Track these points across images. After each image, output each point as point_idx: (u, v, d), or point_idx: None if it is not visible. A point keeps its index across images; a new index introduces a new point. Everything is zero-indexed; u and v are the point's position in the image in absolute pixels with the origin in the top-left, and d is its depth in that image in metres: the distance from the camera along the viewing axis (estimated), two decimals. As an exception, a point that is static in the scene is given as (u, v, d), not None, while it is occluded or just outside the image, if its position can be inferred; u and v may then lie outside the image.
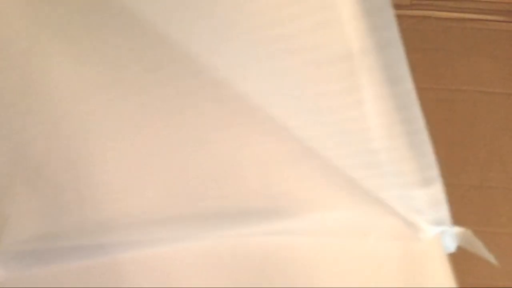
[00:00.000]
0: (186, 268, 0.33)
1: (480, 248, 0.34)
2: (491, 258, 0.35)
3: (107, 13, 0.31)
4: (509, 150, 0.62)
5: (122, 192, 0.33)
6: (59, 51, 0.33)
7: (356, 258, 0.32)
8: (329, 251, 0.32)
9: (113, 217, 0.34)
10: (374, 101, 0.30)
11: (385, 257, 0.32)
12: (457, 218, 0.62)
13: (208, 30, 0.30)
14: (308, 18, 0.29)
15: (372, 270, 0.32)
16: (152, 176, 0.33)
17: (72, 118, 0.34)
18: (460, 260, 0.61)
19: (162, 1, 0.30)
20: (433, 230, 0.33)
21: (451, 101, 0.64)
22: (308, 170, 0.32)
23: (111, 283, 0.33)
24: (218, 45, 0.30)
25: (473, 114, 0.64)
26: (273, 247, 0.32)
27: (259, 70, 0.30)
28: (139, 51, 0.31)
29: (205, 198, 0.33)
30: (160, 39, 0.31)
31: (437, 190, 0.33)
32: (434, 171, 0.32)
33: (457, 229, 0.34)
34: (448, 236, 0.34)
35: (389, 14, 0.30)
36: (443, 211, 0.33)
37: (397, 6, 0.69)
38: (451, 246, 0.34)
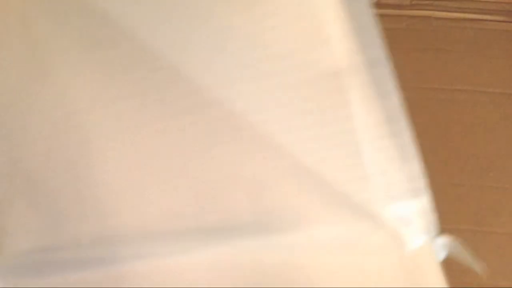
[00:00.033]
0: (182, 282, 0.33)
1: (468, 258, 0.35)
2: (479, 267, 0.35)
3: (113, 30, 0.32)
4: (509, 150, 0.62)
5: (121, 206, 0.34)
6: (60, 53, 0.34)
7: (346, 273, 0.33)
8: (320, 266, 0.33)
9: (112, 230, 0.34)
10: (363, 116, 0.31)
11: (375, 271, 0.33)
12: (457, 218, 0.62)
13: (204, 53, 0.31)
14: (300, 39, 0.31)
15: (362, 284, 0.33)
16: (150, 191, 0.34)
17: (71, 129, 0.34)
18: (460, 260, 0.61)
19: (147, 12, 0.32)
20: (420, 240, 0.33)
21: (451, 101, 0.64)
22: (299, 186, 0.32)
23: None
24: (212, 65, 0.31)
25: (473, 114, 0.64)
26: (267, 262, 0.33)
27: (252, 89, 0.31)
28: (140, 69, 0.33)
29: (197, 214, 0.33)
30: (161, 60, 0.32)
31: (425, 201, 0.33)
32: (421, 182, 0.33)
33: (445, 239, 0.34)
34: (436, 245, 0.34)
35: (376, 33, 0.31)
36: (431, 221, 0.34)
37: (397, 6, 0.69)
38: (440, 255, 0.35)
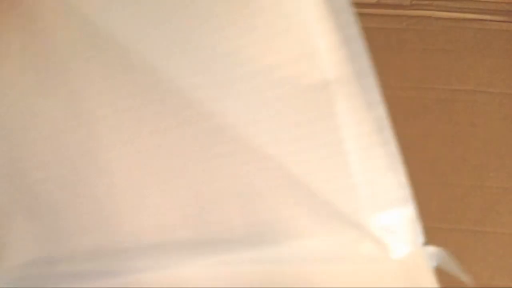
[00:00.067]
0: None
1: (455, 268, 0.35)
2: (466, 278, 0.36)
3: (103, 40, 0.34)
4: (509, 150, 0.62)
5: (118, 219, 0.34)
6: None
7: (337, 283, 0.33)
8: (312, 277, 0.33)
9: (109, 243, 0.34)
10: (351, 127, 0.32)
11: (365, 281, 0.33)
12: (457, 218, 0.62)
13: (197, 68, 0.32)
14: (288, 52, 0.32)
15: None
16: (147, 203, 0.34)
17: (73, 140, 0.35)
18: (460, 260, 0.61)
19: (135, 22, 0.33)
20: (407, 249, 0.33)
21: (451, 101, 0.64)
22: (290, 197, 0.33)
23: None
24: (205, 79, 0.32)
25: (473, 114, 0.64)
26: (259, 274, 0.33)
27: (243, 103, 0.32)
28: (136, 84, 0.34)
29: (191, 226, 0.34)
30: (154, 75, 0.33)
31: (410, 210, 0.34)
32: (406, 191, 0.33)
33: (432, 249, 0.35)
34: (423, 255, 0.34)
35: (361, 45, 0.33)
36: (417, 229, 0.34)
37: (397, 6, 0.70)
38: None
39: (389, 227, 0.33)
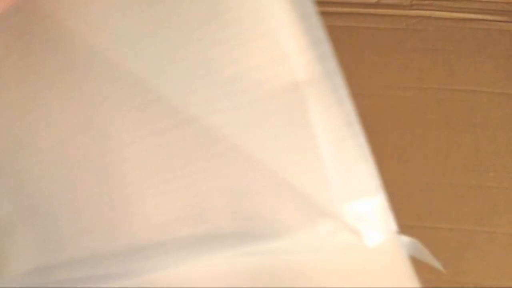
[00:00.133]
0: None
1: (429, 257, 0.37)
2: (439, 266, 0.37)
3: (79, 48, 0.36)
4: (509, 150, 0.62)
5: (113, 222, 0.36)
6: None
7: (316, 274, 0.35)
8: (296, 269, 0.35)
9: (108, 248, 0.35)
10: (323, 123, 0.34)
11: (344, 270, 0.35)
12: (457, 218, 0.62)
13: (178, 75, 0.35)
14: (262, 56, 0.35)
15: (338, 284, 0.34)
16: (139, 206, 0.36)
17: (73, 148, 0.36)
18: (460, 260, 0.61)
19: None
20: (381, 237, 0.35)
21: (451, 101, 0.64)
22: (272, 194, 0.35)
23: None
24: (187, 86, 0.35)
25: (473, 114, 0.64)
26: (256, 266, 0.35)
27: (224, 106, 0.35)
28: (121, 93, 0.36)
29: (183, 226, 0.35)
30: (141, 84, 0.35)
31: (381, 199, 0.35)
32: (377, 181, 0.35)
33: (405, 238, 0.36)
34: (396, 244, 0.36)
35: (328, 45, 0.35)
36: (389, 219, 0.35)
37: (397, 6, 0.70)
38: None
39: (362, 216, 0.35)
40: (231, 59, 0.35)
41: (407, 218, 0.59)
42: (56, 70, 0.36)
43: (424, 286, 0.36)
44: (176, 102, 0.35)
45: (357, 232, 0.34)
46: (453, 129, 0.63)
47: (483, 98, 0.64)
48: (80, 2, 0.37)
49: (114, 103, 0.36)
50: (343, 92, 0.35)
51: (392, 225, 0.35)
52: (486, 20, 0.67)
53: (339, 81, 0.35)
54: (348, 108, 0.35)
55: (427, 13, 0.68)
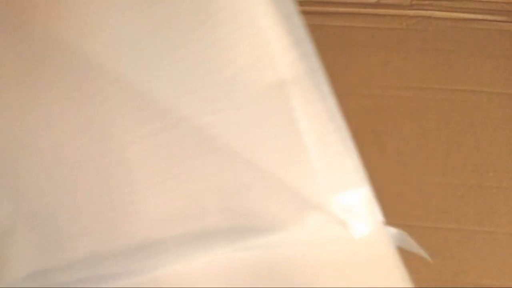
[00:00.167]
0: None
1: (415, 247, 0.38)
2: (426, 255, 0.38)
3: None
4: (509, 150, 0.62)
5: (106, 223, 0.36)
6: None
7: (307, 267, 0.35)
8: (287, 264, 0.35)
9: (107, 248, 0.35)
10: (307, 118, 0.36)
11: (334, 262, 0.35)
12: (457, 218, 0.62)
13: (169, 78, 0.36)
14: (248, 57, 0.36)
15: (329, 277, 0.35)
16: (140, 207, 0.36)
17: (70, 152, 0.36)
18: (460, 260, 0.61)
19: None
20: (367, 228, 0.35)
21: (451, 101, 0.64)
22: (260, 190, 0.36)
23: None
24: (177, 88, 0.36)
25: (473, 114, 0.64)
26: (254, 261, 0.35)
27: (214, 107, 0.36)
28: (109, 98, 0.36)
29: (179, 224, 0.36)
30: (130, 87, 0.36)
31: (366, 191, 0.36)
32: (361, 173, 0.36)
33: (392, 230, 0.37)
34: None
35: (310, 44, 0.36)
36: (375, 210, 0.36)
37: (397, 6, 0.70)
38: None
39: (349, 208, 0.35)
40: (222, 61, 0.36)
41: (407, 218, 0.59)
42: (55, 70, 0.37)
43: (411, 274, 0.36)
44: (168, 103, 0.36)
45: (344, 224, 0.35)
46: (453, 129, 0.63)
47: (483, 98, 0.64)
48: (80, 3, 0.37)
49: (113, 103, 0.36)
50: (326, 88, 0.36)
51: (379, 216, 0.36)
52: (486, 20, 0.67)
53: (322, 78, 0.36)
54: (331, 103, 0.36)
55: (427, 13, 0.68)
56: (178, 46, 0.36)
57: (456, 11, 0.68)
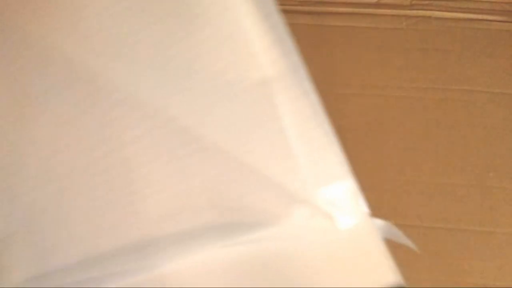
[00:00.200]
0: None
1: (402, 238, 0.38)
2: (413, 247, 0.39)
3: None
4: (509, 150, 0.62)
5: (112, 225, 0.36)
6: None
7: (296, 261, 0.36)
8: (277, 258, 0.36)
9: (104, 250, 0.36)
10: (291, 115, 0.37)
11: (322, 255, 0.36)
12: (457, 218, 0.62)
13: (155, 80, 0.37)
14: (232, 56, 0.37)
15: (321, 271, 0.36)
16: (139, 207, 0.36)
17: (65, 157, 0.37)
18: (460, 260, 0.61)
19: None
20: (353, 220, 0.36)
21: (451, 101, 0.64)
22: (247, 186, 0.36)
23: None
24: (164, 89, 0.37)
25: (473, 114, 0.64)
26: (248, 256, 0.36)
27: (198, 106, 0.37)
28: (100, 102, 0.38)
29: (170, 224, 0.36)
30: (118, 91, 0.37)
31: (351, 184, 0.37)
32: (345, 167, 0.37)
33: (378, 221, 0.37)
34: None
35: (291, 42, 0.38)
36: (360, 202, 0.37)
37: (397, 6, 0.70)
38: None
39: (334, 201, 0.36)
40: (207, 61, 0.37)
41: (407, 218, 0.59)
42: (50, 76, 0.38)
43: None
44: (156, 104, 0.37)
45: (330, 216, 0.36)
46: (453, 129, 0.63)
47: (483, 98, 0.64)
48: (72, 11, 0.38)
49: (107, 105, 0.37)
50: (308, 85, 0.37)
51: (364, 208, 0.37)
52: (486, 20, 0.67)
53: (303, 74, 0.38)
54: (313, 99, 0.37)
55: (427, 13, 0.68)
56: (164, 48, 0.38)
57: (456, 11, 0.68)
